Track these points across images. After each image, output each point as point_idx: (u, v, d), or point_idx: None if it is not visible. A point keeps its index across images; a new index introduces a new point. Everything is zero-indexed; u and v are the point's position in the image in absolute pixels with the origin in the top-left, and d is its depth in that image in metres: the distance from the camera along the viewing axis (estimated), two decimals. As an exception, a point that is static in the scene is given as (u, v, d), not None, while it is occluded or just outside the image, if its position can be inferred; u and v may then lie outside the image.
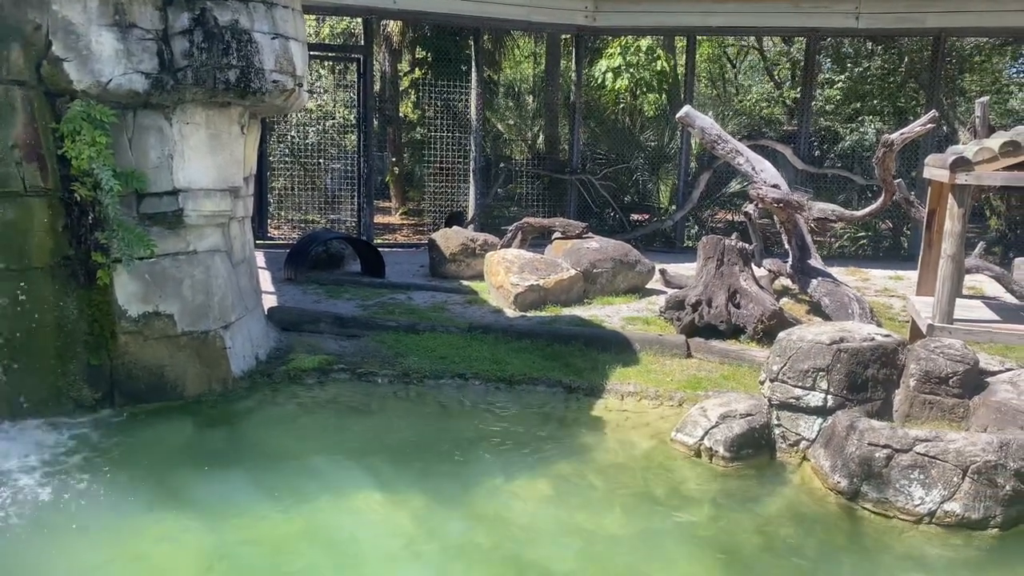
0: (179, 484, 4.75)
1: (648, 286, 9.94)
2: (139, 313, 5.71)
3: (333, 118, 15.25)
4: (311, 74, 14.87)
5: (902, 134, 7.35)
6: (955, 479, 4.57)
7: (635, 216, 15.01)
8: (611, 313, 8.66)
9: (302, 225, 13.94)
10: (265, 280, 9.41)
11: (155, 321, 5.78)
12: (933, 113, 7.47)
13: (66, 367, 5.45)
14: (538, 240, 11.10)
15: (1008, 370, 5.63)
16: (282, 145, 14.06)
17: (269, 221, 13.38)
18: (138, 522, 4.38)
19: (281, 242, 12.67)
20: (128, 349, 5.66)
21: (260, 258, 10.23)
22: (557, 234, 10.53)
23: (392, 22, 15.69)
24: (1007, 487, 4.52)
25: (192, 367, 5.94)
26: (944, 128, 13.44)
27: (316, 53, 14.11)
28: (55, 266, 5.38)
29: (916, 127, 7.36)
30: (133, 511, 4.46)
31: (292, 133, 14.22)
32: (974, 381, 5.32)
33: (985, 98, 7.86)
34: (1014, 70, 17.74)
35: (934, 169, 6.36)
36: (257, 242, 10.48)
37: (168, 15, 5.45)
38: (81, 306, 5.49)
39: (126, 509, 4.48)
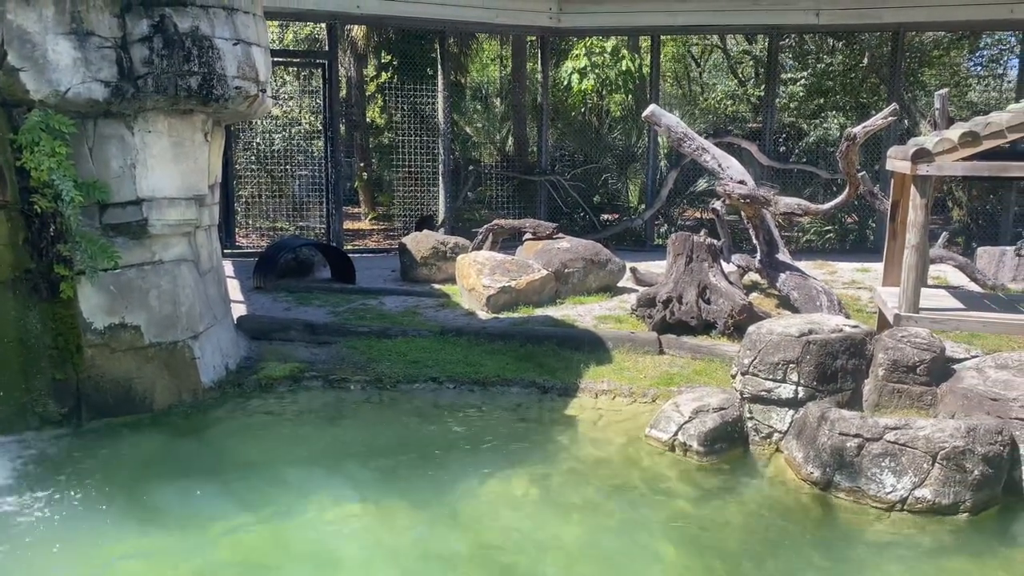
0: (149, 497, 4.68)
1: (619, 285, 9.98)
2: (105, 325, 5.62)
3: (299, 124, 15.13)
4: (275, 81, 14.77)
5: (864, 127, 7.45)
6: (925, 465, 4.63)
7: (605, 216, 15.07)
8: (583, 312, 8.68)
9: (270, 233, 13.81)
10: (234, 289, 9.31)
11: (122, 333, 5.69)
12: (894, 106, 7.57)
13: (31, 382, 5.34)
14: (509, 242, 11.11)
15: (974, 357, 5.73)
16: (248, 152, 13.93)
17: (237, 229, 13.25)
18: (106, 537, 4.30)
19: (249, 250, 12.54)
20: (95, 362, 5.57)
21: (228, 267, 10.12)
22: (528, 235, 10.54)
23: (356, 27, 15.62)
24: (976, 472, 4.59)
25: (161, 379, 5.86)
26: (905, 121, 13.66)
27: (280, 59, 14.01)
28: (16, 280, 5.27)
29: (878, 120, 7.46)
30: (101, 526, 4.38)
31: (258, 140, 14.10)
32: (941, 369, 5.40)
33: (944, 90, 7.99)
34: (972, 63, 18.05)
35: (896, 161, 6.44)
36: (225, 251, 10.39)
37: (127, 22, 5.37)
38: (44, 320, 5.39)
39: (94, 524, 4.40)
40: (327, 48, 12.96)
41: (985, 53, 18.01)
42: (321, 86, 12.94)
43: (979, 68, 18.08)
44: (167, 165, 5.80)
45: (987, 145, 5.74)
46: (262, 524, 4.47)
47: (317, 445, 5.48)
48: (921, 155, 5.82)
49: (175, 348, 5.95)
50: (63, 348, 5.45)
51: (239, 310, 8.30)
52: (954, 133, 5.82)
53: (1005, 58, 17.81)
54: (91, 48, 5.26)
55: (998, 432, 4.68)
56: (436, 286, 10.10)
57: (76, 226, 5.27)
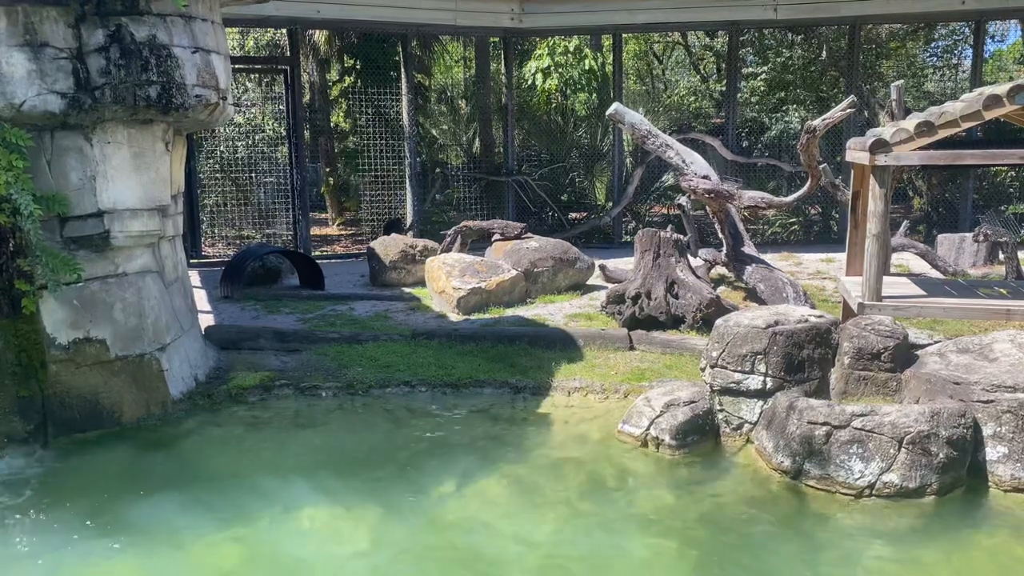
0: (118, 512, 4.61)
1: (589, 282, 10.03)
2: (69, 340, 5.54)
3: (263, 131, 15.01)
4: (237, 88, 14.62)
5: (824, 120, 7.56)
6: (891, 451, 4.71)
7: (573, 214, 15.13)
8: (554, 311, 8.71)
9: (237, 241, 13.69)
10: (201, 299, 9.22)
11: (87, 347, 5.61)
12: (852, 98, 7.69)
13: (-6, 401, 5.26)
14: (478, 243, 11.11)
15: (936, 342, 5.84)
16: (212, 161, 13.79)
17: (202, 239, 13.10)
18: (74, 554, 4.25)
19: (216, 260, 12.42)
20: (60, 378, 5.49)
21: (195, 277, 10.01)
22: (496, 236, 10.55)
23: (318, 31, 15.53)
24: (940, 455, 4.69)
25: (128, 392, 5.79)
26: (865, 113, 13.87)
27: (241, 66, 13.88)
28: (-24, 297, 5.19)
29: (836, 112, 7.57)
30: (69, 543, 4.32)
31: (221, 148, 13.96)
32: (905, 355, 5.50)
33: (900, 82, 8.16)
34: (927, 54, 18.38)
35: (855, 152, 6.55)
36: (191, 261, 10.27)
37: (82, 32, 5.30)
38: (7, 337, 5.30)
39: (63, 541, 4.34)
40: (288, 54, 12.88)
41: (940, 44, 18.35)
42: (284, 92, 12.84)
43: (935, 59, 18.41)
44: (128, 176, 5.73)
45: (943, 134, 5.86)
46: (234, 534, 4.43)
47: (289, 453, 5.45)
48: (879, 146, 5.92)
49: (142, 361, 5.89)
50: (27, 365, 5.37)
51: (207, 320, 8.22)
52: (910, 123, 5.93)
53: (959, 48, 18.17)
54: (46, 59, 5.19)
55: (961, 415, 4.77)
56: (406, 290, 10.07)
57: (36, 240, 5.18)
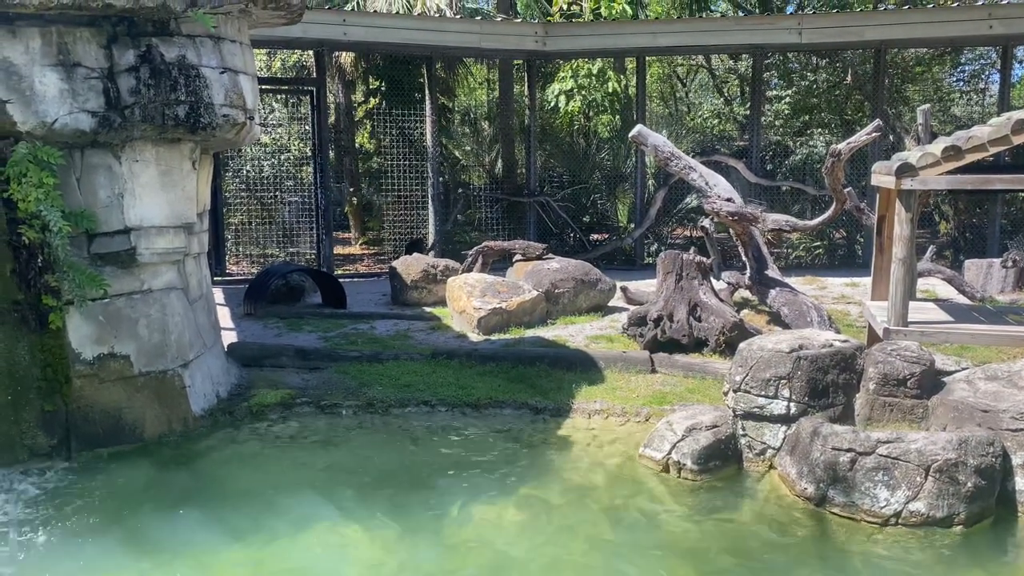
0: (140, 528, 4.64)
1: (610, 304, 9.99)
2: (94, 355, 5.59)
3: (288, 151, 15.17)
4: (264, 108, 14.80)
5: (849, 144, 7.51)
6: (918, 479, 4.63)
7: (594, 235, 15.12)
8: (574, 332, 8.68)
9: (261, 260, 13.79)
10: (224, 316, 9.28)
11: (111, 363, 5.66)
12: (877, 122, 7.64)
13: (19, 414, 5.30)
14: (499, 264, 11.12)
15: (964, 369, 5.75)
16: (237, 180, 13.94)
17: (227, 257, 13.22)
18: (97, 570, 4.26)
19: (240, 277, 12.52)
20: (83, 393, 5.53)
21: (219, 294, 10.09)
22: (518, 256, 10.56)
23: (344, 53, 15.72)
24: (968, 484, 4.60)
25: (151, 408, 5.82)
26: (890, 137, 13.78)
27: (268, 87, 14.06)
28: (4, 311, 5.24)
29: (862, 136, 7.52)
30: (92, 558, 4.34)
31: (247, 167, 14.12)
32: (931, 381, 5.41)
33: (927, 106, 8.09)
34: (954, 78, 18.25)
35: (881, 176, 6.50)
36: (215, 278, 10.36)
37: (113, 53, 5.40)
38: (33, 351, 5.35)
39: (85, 557, 4.35)
40: (315, 75, 13.03)
41: (967, 68, 18.22)
42: (309, 112, 12.99)
43: (961, 83, 18.27)
44: (155, 194, 5.80)
45: (970, 159, 5.80)
46: (254, 552, 4.43)
47: (309, 472, 5.45)
48: (905, 170, 5.87)
49: (165, 377, 5.93)
50: (52, 379, 5.42)
51: (230, 337, 8.27)
52: (937, 147, 5.88)
53: (986, 73, 18.02)
54: (78, 79, 5.28)
55: (990, 444, 4.69)
56: (427, 309, 10.09)
57: (64, 256, 5.25)
